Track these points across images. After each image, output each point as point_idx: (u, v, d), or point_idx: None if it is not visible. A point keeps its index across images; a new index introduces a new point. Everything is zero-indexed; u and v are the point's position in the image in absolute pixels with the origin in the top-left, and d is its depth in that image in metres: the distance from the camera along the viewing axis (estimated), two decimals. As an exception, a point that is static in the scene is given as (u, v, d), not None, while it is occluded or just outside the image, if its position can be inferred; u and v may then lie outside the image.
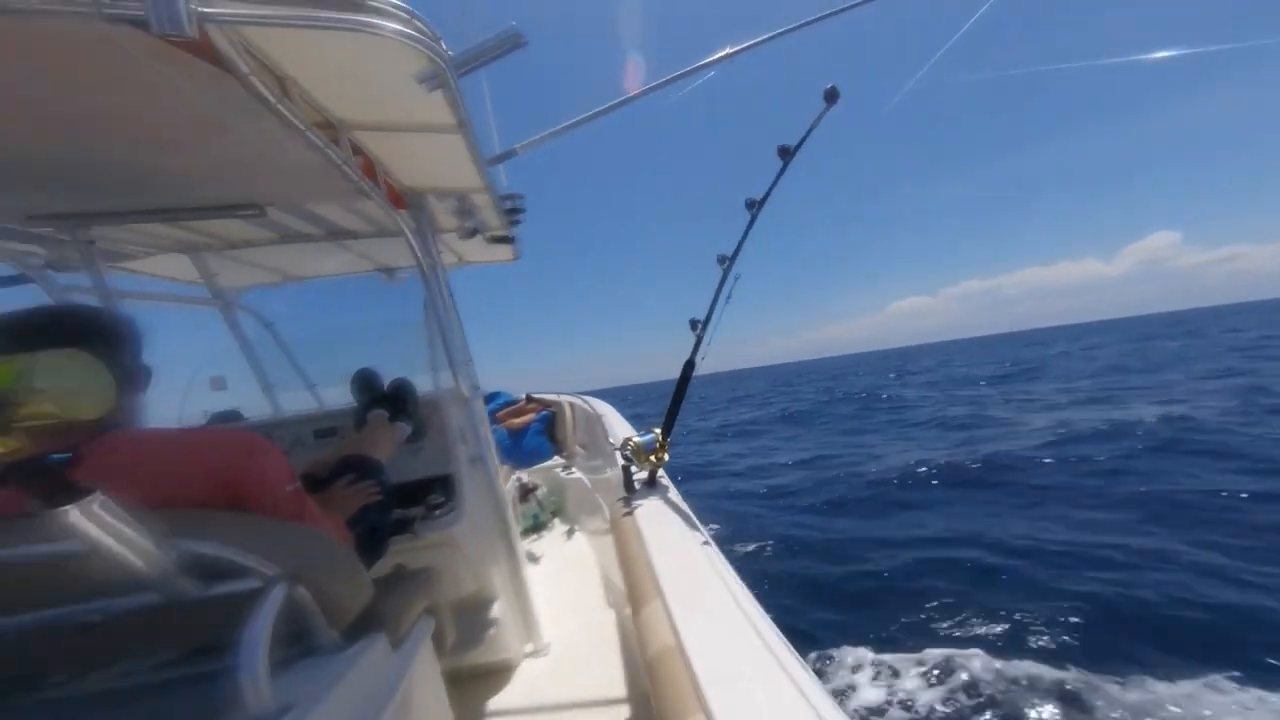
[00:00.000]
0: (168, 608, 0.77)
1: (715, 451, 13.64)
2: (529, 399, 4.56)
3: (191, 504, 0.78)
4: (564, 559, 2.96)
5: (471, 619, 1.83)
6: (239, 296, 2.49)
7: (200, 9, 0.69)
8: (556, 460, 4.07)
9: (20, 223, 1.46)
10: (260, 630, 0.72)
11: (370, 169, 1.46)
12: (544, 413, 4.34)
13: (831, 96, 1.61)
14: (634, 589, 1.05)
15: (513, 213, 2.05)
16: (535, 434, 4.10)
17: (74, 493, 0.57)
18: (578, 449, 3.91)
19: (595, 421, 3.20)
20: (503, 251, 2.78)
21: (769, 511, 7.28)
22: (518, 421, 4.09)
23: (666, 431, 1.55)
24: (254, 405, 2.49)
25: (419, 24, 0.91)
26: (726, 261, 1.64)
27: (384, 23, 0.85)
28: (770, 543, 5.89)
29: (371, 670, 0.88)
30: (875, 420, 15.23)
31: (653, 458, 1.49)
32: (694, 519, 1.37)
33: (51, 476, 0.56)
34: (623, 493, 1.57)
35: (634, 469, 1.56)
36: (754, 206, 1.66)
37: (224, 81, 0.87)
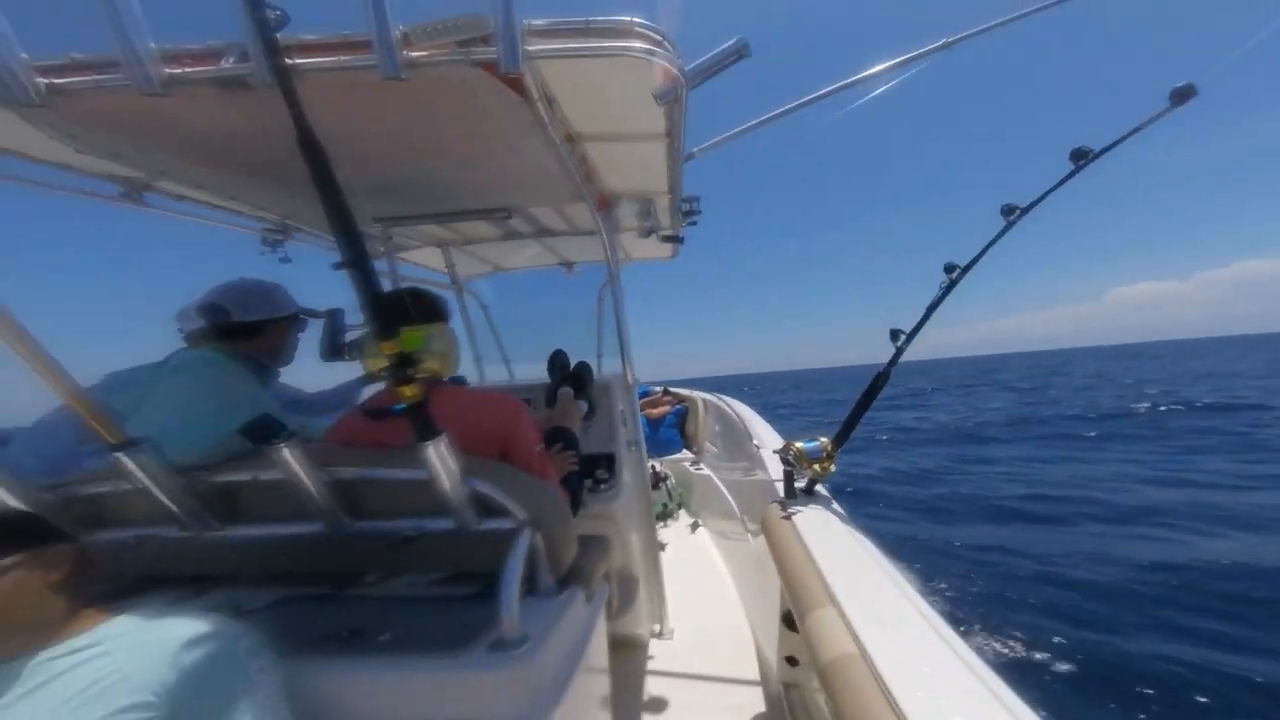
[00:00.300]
0: (452, 534, 0.98)
1: (875, 462, 9.85)
2: (665, 392, 4.73)
3: (476, 450, 0.98)
4: (688, 551, 3.03)
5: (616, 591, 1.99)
6: (467, 283, 2.98)
7: (526, 48, 0.86)
8: (685, 454, 4.17)
9: (367, 224, 1.92)
10: (517, 566, 0.87)
11: (589, 176, 1.64)
12: (678, 406, 4.47)
13: (1182, 96, 1.29)
14: (798, 594, 1.05)
15: (689, 214, 2.16)
16: (669, 426, 4.25)
17: (433, 432, 0.78)
18: (708, 446, 3.95)
19: (732, 422, 3.21)
20: (664, 250, 2.93)
21: (1017, 566, 4.50)
22: (655, 412, 4.28)
23: (838, 442, 1.47)
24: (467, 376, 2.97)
25: (667, 45, 1.01)
26: (955, 271, 1.45)
27: (641, 45, 0.96)
28: (1061, 640, 3.37)
29: (575, 617, 1.01)
30: (1178, 441, 9.58)
31: (816, 466, 1.44)
32: (860, 531, 1.32)
33: (425, 417, 0.76)
34: (778, 497, 1.56)
35: (795, 475, 1.53)
36: (1012, 214, 1.43)
37: (519, 107, 1.06)
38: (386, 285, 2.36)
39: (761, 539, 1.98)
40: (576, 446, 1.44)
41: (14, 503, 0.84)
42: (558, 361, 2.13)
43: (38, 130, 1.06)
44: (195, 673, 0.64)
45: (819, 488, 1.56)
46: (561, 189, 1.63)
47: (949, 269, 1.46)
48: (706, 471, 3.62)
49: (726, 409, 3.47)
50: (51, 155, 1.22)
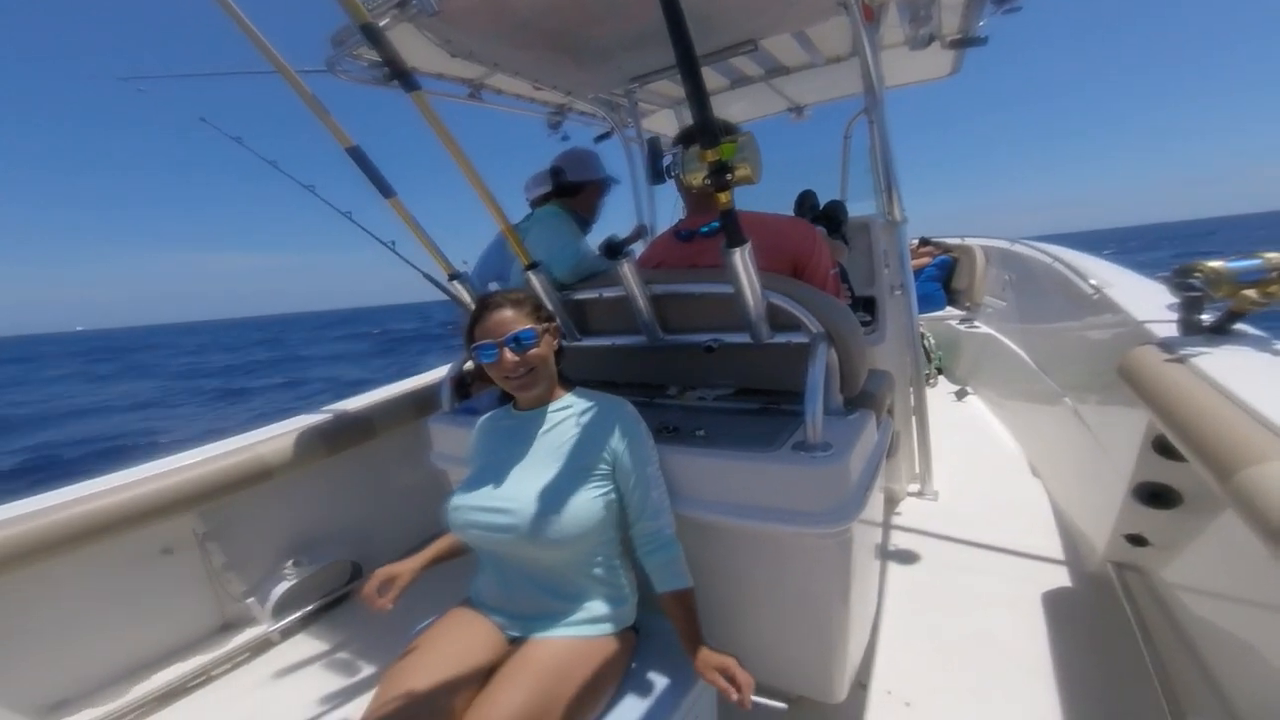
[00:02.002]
0: (746, 348, 1.07)
1: None
2: (923, 242, 4.04)
3: (769, 269, 1.02)
4: (953, 418, 2.75)
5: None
6: None
7: None
8: (951, 311, 3.63)
9: (622, 84, 2.09)
10: (819, 375, 0.91)
11: None
12: (942, 257, 3.81)
13: None
14: (1217, 449, 0.81)
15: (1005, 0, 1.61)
16: (927, 279, 3.69)
17: (741, 239, 0.85)
18: (989, 300, 3.32)
19: (1042, 267, 2.57)
20: (938, 66, 2.31)
21: None
22: (912, 264, 3.75)
23: None
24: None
25: None
26: None
27: None
28: None
29: (869, 438, 1.03)
30: None
31: (1250, 293, 1.00)
32: None
33: (736, 224, 0.85)
34: (1150, 340, 1.21)
35: (1204, 307, 1.13)
36: None
37: None
38: (635, 150, 2.59)
39: (1093, 398, 1.66)
40: (847, 279, 1.38)
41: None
42: (806, 202, 2.02)
43: (426, 40, 1.38)
44: (624, 429, 0.91)
45: (1241, 325, 1.12)
46: (815, 5, 1.40)
47: None
48: (986, 329, 3.10)
49: (1032, 253, 2.76)
50: (431, 66, 1.60)
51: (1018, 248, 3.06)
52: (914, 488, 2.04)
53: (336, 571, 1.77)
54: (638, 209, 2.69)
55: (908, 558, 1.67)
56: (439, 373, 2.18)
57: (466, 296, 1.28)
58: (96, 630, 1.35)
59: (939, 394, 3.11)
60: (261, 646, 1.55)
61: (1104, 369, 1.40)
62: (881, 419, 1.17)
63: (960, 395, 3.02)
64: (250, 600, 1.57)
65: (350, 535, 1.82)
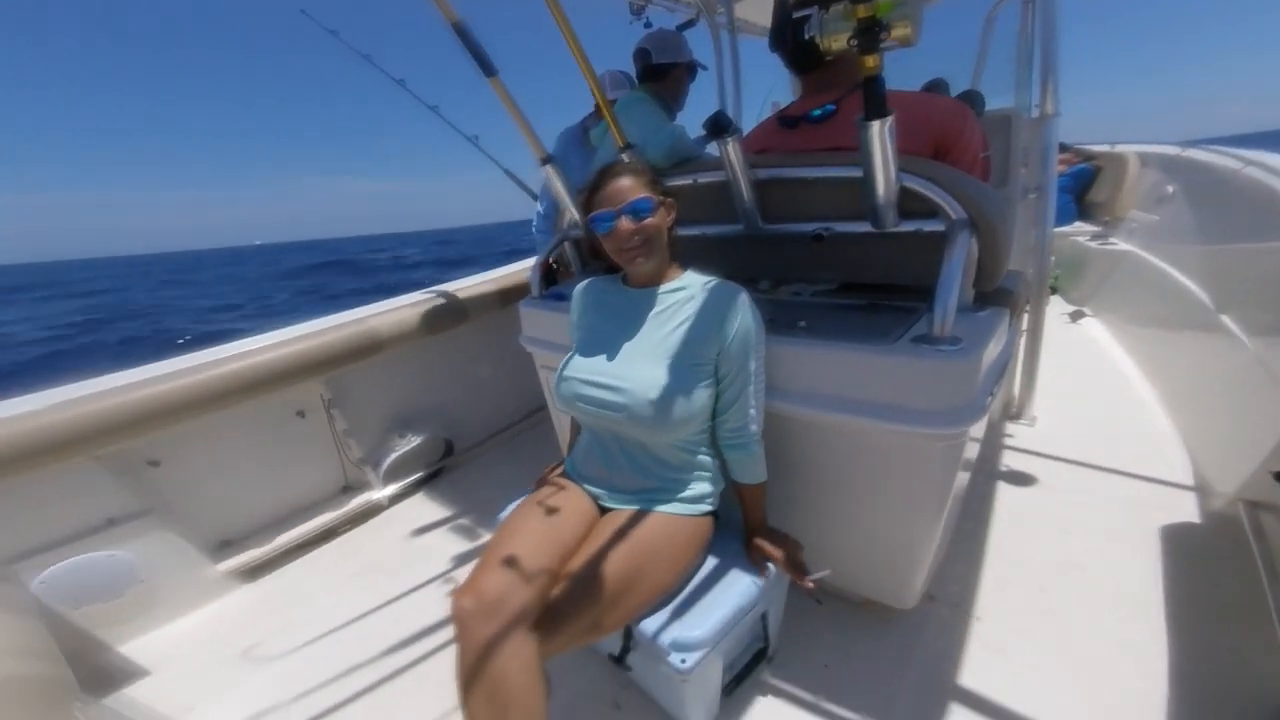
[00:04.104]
0: (858, 239, 0.96)
1: None
2: (1061, 149, 3.43)
3: (909, 150, 0.89)
4: (1063, 340, 2.49)
5: None
6: None
7: None
8: (1080, 226, 3.16)
9: None
10: (957, 266, 0.80)
11: None
12: (1080, 166, 3.24)
13: None
14: None
15: None
16: (1059, 190, 3.17)
17: (884, 110, 0.73)
18: (1136, 215, 2.85)
19: (1221, 175, 2.12)
20: None
21: None
22: (1046, 169, 3.24)
23: None
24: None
25: None
26: None
27: None
28: None
29: (999, 338, 0.92)
30: None
31: None
32: None
33: (880, 93, 0.73)
34: None
35: None
36: None
37: None
38: (725, 39, 2.32)
39: (1272, 323, 1.43)
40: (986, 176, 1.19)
41: (564, 192, 1.26)
42: (937, 90, 1.74)
43: None
44: (739, 319, 0.86)
45: None
46: None
47: None
48: (1125, 246, 2.70)
49: (1214, 158, 2.29)
50: None
51: (1192, 152, 2.54)
52: (1011, 409, 1.91)
53: (433, 447, 1.95)
54: (721, 101, 2.46)
55: (997, 478, 1.60)
56: (519, 266, 2.29)
57: (558, 181, 1.24)
58: (249, 483, 1.56)
59: (1050, 314, 2.82)
60: (373, 510, 1.75)
61: None
62: (1013, 322, 1.04)
63: (1075, 317, 2.73)
64: (366, 467, 1.77)
65: (443, 415, 1.98)
